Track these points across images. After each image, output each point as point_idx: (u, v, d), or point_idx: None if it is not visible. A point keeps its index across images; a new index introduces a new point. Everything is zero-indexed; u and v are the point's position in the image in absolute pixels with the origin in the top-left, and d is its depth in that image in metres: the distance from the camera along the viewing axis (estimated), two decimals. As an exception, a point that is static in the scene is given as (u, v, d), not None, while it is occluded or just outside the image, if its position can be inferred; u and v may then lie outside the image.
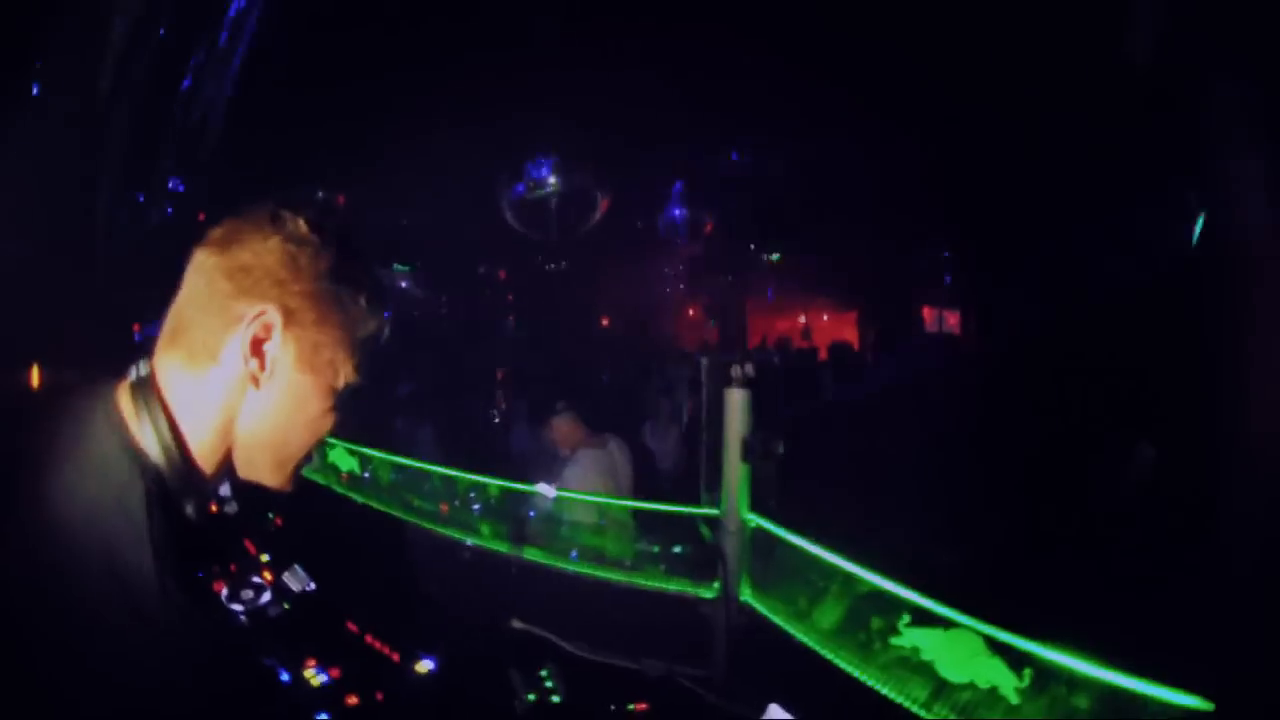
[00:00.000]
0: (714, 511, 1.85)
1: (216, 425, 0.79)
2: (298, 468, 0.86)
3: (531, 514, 2.41)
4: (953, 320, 9.47)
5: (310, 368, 0.80)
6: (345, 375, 0.82)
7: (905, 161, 7.52)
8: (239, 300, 0.76)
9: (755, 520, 1.81)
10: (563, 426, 3.09)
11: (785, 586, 1.81)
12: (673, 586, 1.99)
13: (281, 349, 0.78)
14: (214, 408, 0.78)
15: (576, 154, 6.12)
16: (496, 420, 5.23)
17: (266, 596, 2.37)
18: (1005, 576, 2.82)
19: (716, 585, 1.91)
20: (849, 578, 1.69)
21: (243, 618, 2.26)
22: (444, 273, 8.36)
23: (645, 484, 3.46)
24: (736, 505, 1.78)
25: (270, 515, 3.22)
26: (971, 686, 1.46)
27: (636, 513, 2.04)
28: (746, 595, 1.91)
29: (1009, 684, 1.40)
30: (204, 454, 0.79)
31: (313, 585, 2.43)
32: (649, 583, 2.02)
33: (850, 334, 9.85)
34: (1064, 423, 4.44)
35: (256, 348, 0.77)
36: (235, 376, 0.78)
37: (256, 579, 2.46)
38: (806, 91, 6.88)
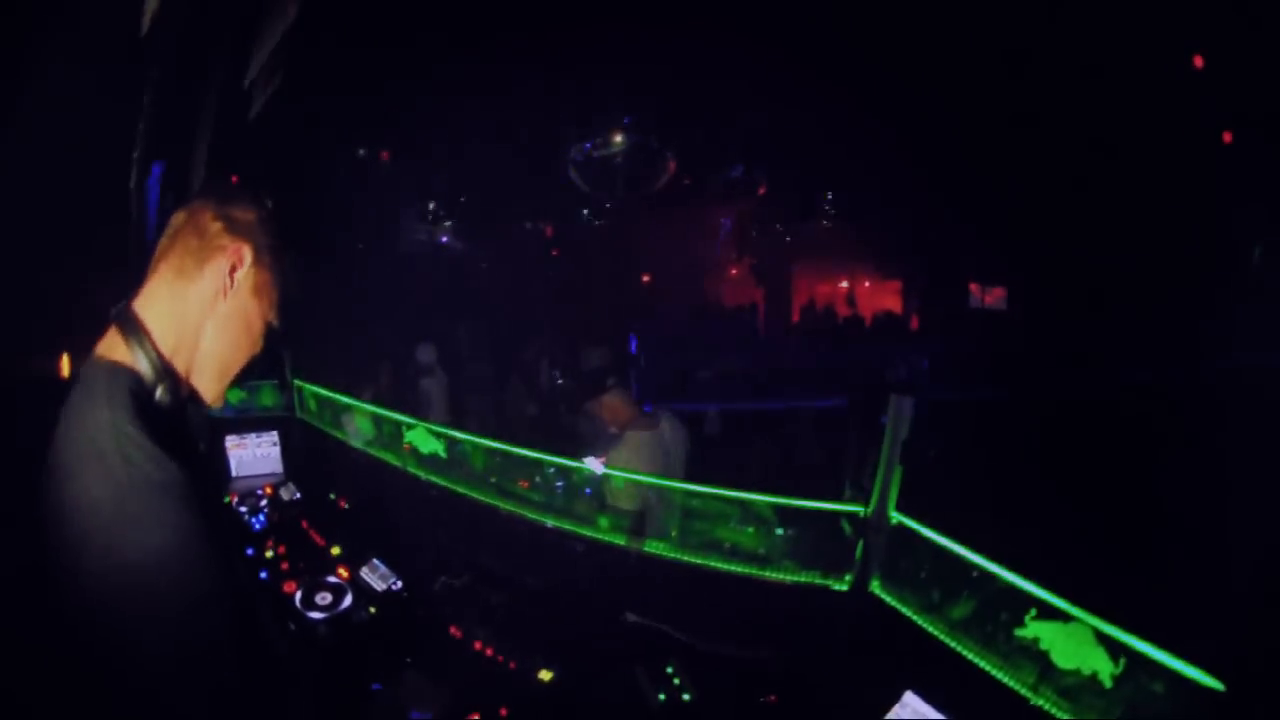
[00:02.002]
0: (857, 508, 1.87)
1: (191, 327, 1.10)
2: (230, 383, 1.18)
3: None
4: (995, 295, 9.27)
5: (258, 297, 1.16)
6: (273, 312, 1.19)
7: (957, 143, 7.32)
8: (224, 237, 1.12)
9: (898, 518, 1.83)
10: (612, 404, 2.98)
11: (918, 581, 1.85)
12: (802, 578, 2.02)
13: (244, 276, 1.14)
14: (193, 315, 1.11)
15: (632, 113, 5.97)
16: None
17: (349, 600, 2.12)
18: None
19: (849, 578, 1.94)
20: (985, 574, 1.72)
21: (322, 628, 2.04)
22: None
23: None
24: (887, 505, 1.79)
25: (332, 497, 2.95)
26: (1076, 673, 1.56)
27: (776, 507, 2.04)
28: (875, 587, 1.94)
29: (1106, 671, 1.51)
30: (181, 356, 1.09)
31: (399, 583, 2.23)
32: (779, 575, 2.04)
33: (893, 302, 9.73)
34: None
35: (231, 270, 1.12)
36: (210, 291, 1.11)
37: (332, 578, 2.22)
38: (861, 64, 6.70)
